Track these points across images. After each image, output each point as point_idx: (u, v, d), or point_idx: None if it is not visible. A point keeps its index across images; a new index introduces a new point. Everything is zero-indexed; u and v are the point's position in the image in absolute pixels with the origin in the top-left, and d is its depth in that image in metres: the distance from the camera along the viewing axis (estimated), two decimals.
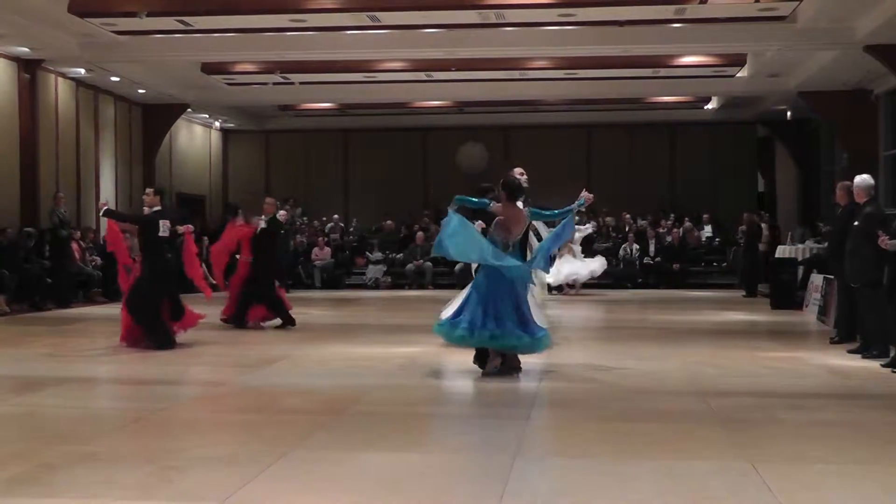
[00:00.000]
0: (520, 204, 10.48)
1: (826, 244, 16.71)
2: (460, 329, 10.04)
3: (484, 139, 31.94)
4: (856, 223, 11.88)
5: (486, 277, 10.18)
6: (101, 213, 13.27)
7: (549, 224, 11.67)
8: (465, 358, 11.39)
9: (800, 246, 20.95)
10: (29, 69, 21.14)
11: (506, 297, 10.12)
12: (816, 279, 17.36)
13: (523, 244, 10.80)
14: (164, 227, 12.72)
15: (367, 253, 28.13)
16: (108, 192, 25.32)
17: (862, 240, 11.62)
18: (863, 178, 12.08)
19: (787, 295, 19.08)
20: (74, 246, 20.78)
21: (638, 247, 27.06)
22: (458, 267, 15.43)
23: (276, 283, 16.03)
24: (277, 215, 16.24)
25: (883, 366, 10.95)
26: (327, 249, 27.56)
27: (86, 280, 20.85)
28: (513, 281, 10.16)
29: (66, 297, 19.42)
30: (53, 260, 19.78)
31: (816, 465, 6.55)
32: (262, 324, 15.44)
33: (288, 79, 25.61)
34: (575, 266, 22.68)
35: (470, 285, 10.42)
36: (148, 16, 18.39)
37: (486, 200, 10.39)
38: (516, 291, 10.22)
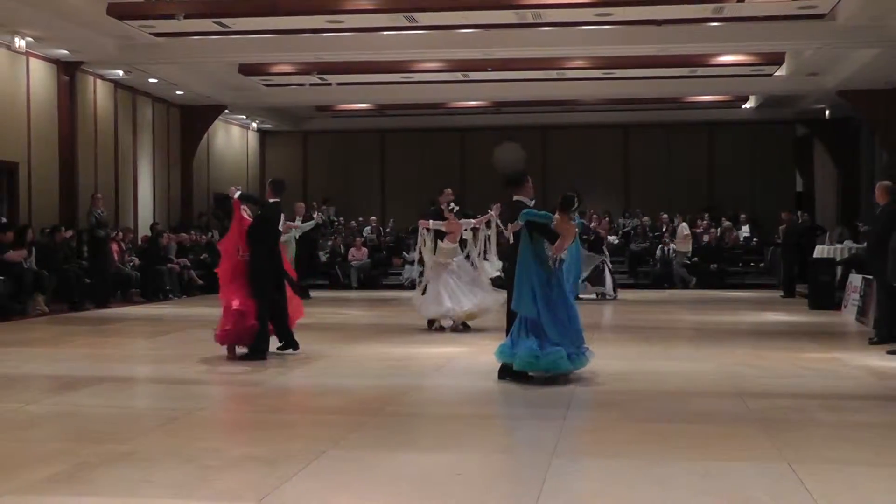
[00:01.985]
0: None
1: (865, 244, 16.57)
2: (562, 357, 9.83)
3: (521, 139, 31.94)
4: None
5: (545, 302, 10.02)
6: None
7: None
8: None
9: (838, 246, 20.79)
10: (68, 71, 21.33)
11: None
12: (855, 279, 17.21)
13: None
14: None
15: (404, 253, 28.13)
16: (146, 193, 25.54)
17: None
18: None
19: (825, 295, 18.92)
20: (114, 246, 20.92)
21: (675, 247, 26.93)
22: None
23: None
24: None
25: None
26: (364, 250, 27.60)
27: (124, 280, 20.98)
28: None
29: (104, 297, 19.54)
30: (91, 260, 19.92)
31: (855, 466, 6.49)
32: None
33: (325, 80, 25.71)
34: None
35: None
36: (185, 18, 18.50)
37: (552, 215, 10.11)
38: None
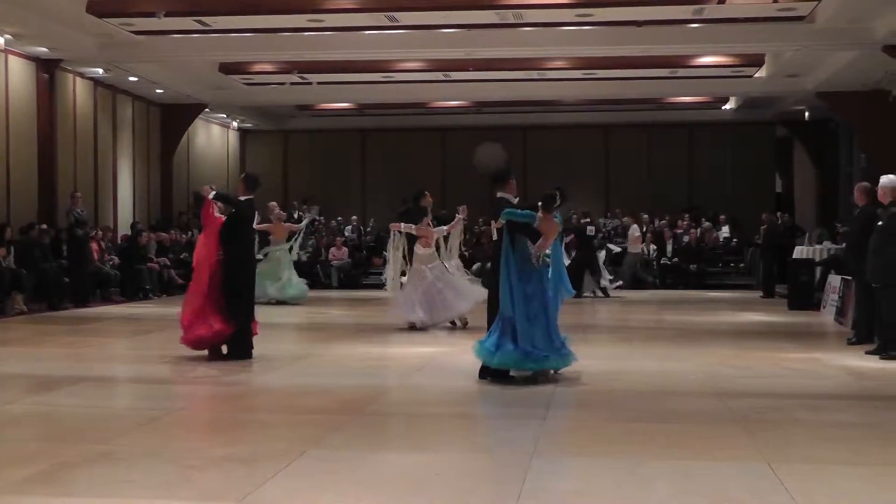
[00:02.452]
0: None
1: (844, 245, 16.64)
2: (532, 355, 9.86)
3: (502, 139, 31.83)
4: (880, 223, 11.84)
5: (521, 300, 9.99)
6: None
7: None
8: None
9: (817, 247, 20.88)
10: (48, 69, 21.22)
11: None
12: (834, 280, 17.29)
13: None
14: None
15: (385, 253, 28.09)
16: (125, 192, 25.44)
17: (887, 239, 11.58)
18: (890, 179, 11.99)
19: (804, 296, 19.00)
20: (94, 245, 20.81)
21: (655, 247, 26.99)
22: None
23: None
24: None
25: None
26: (344, 249, 27.56)
27: (103, 279, 20.89)
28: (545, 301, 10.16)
29: (84, 296, 19.45)
30: (71, 259, 19.81)
31: (834, 466, 6.53)
32: None
33: (306, 79, 25.66)
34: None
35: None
36: (166, 16, 18.46)
37: (534, 214, 10.12)
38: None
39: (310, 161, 32.83)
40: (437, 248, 15.49)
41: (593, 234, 23.39)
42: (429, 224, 15.51)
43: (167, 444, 7.15)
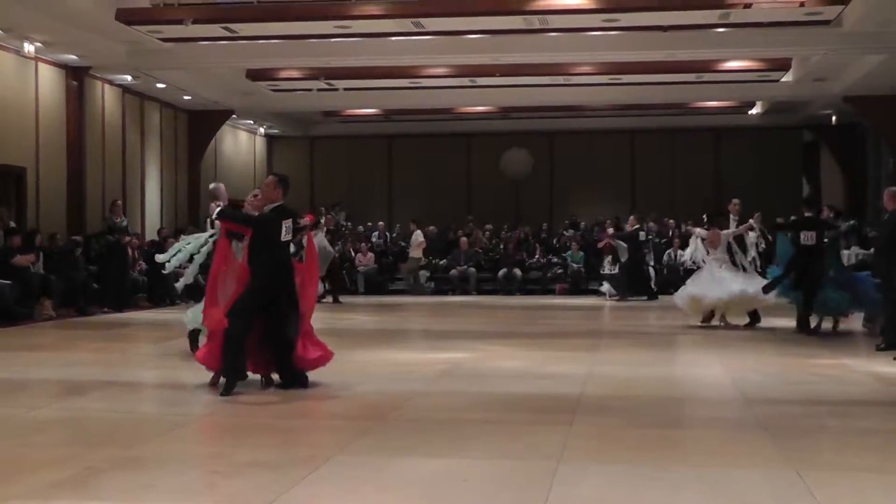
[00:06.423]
0: None
1: (872, 250, 16.52)
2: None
3: (528, 145, 31.93)
4: None
5: None
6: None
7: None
8: (507, 364, 11.45)
9: (845, 252, 20.72)
10: (76, 76, 21.38)
11: None
12: None
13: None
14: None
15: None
16: (153, 198, 25.58)
17: None
18: None
19: None
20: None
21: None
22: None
23: None
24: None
25: None
26: (371, 255, 27.61)
27: (132, 285, 20.98)
28: None
29: (125, 301, 19.74)
30: (104, 265, 19.95)
31: (863, 473, 6.48)
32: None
33: (332, 85, 25.72)
34: None
35: None
36: (193, 23, 18.52)
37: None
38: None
39: (336, 167, 32.88)
40: (731, 251, 17.17)
41: (645, 238, 24.07)
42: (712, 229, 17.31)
43: (193, 449, 7.18)
